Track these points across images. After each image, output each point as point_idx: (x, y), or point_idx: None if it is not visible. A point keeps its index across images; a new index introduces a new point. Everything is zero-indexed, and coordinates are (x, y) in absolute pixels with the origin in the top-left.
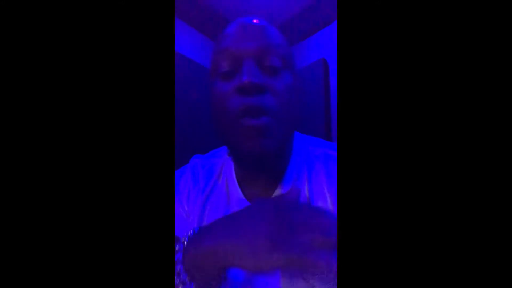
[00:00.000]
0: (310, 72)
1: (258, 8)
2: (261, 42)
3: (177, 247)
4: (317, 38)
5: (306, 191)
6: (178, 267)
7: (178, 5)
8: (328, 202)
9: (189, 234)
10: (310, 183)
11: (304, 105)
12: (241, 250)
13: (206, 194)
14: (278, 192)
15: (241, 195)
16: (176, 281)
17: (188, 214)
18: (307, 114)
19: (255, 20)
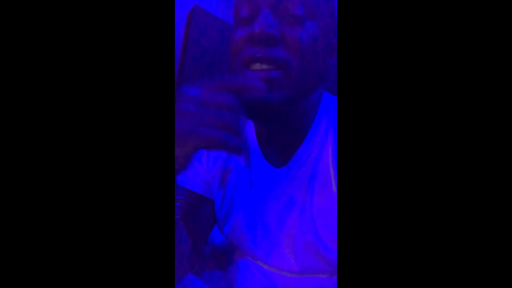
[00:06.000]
0: None
1: None
2: None
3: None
4: None
5: (330, 155)
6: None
7: None
8: None
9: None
10: (334, 147)
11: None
12: None
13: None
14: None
15: (261, 155)
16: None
17: (207, 171)
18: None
19: None
